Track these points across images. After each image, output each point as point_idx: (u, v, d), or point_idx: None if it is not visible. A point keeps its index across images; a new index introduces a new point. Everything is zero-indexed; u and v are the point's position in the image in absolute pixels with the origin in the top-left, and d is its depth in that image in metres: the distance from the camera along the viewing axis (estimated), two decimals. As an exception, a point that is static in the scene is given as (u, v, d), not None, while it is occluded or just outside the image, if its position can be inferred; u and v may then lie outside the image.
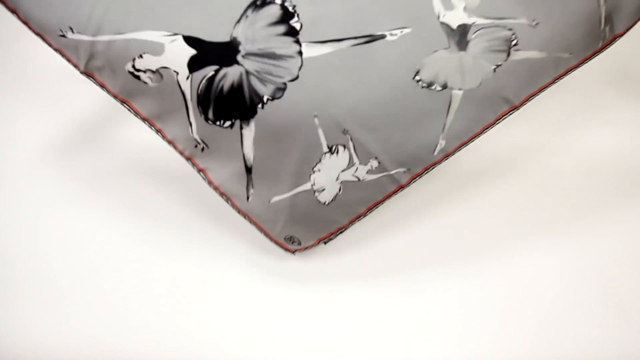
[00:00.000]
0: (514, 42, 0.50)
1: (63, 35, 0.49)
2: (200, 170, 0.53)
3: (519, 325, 0.55)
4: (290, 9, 0.48)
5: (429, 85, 0.49)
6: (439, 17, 0.49)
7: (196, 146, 0.51)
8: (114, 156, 0.70)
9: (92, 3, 0.48)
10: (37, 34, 0.51)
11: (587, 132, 0.72)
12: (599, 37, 0.53)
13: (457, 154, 0.54)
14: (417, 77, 0.49)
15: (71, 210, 0.65)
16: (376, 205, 0.54)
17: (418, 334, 0.55)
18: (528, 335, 0.55)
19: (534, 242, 0.61)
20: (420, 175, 0.53)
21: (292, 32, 0.48)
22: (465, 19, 0.49)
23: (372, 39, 0.48)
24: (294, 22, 0.48)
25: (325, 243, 0.57)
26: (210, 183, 0.53)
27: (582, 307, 0.57)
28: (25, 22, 0.50)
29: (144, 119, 0.52)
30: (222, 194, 0.54)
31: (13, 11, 0.50)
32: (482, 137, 0.54)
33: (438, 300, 0.57)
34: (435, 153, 0.51)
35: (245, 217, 0.55)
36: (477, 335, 0.55)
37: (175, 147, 0.53)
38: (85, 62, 0.50)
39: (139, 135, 0.69)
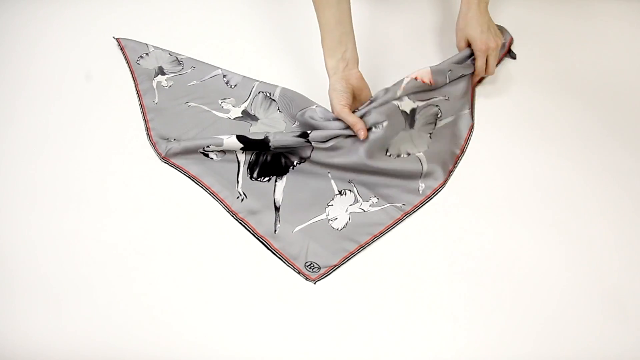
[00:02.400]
0: (439, 115, 0.77)
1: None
2: (240, 220, 0.68)
3: (521, 326, 0.59)
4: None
5: (398, 155, 0.73)
6: (399, 107, 0.75)
7: (237, 197, 0.69)
8: (111, 156, 0.73)
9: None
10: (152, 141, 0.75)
11: (587, 133, 0.77)
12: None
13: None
14: (388, 153, 0.73)
15: (71, 210, 0.67)
16: (383, 232, 0.67)
17: (418, 334, 0.58)
18: (529, 336, 0.58)
19: (535, 243, 0.65)
20: (416, 207, 0.69)
21: (304, 135, 0.71)
22: (412, 104, 0.75)
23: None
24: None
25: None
26: (247, 226, 0.67)
27: (582, 308, 0.60)
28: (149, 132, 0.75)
29: (207, 188, 0.70)
30: (257, 235, 0.67)
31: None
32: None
33: (439, 301, 0.61)
34: (421, 192, 0.71)
35: (274, 252, 0.65)
36: (480, 336, 0.58)
37: (223, 203, 0.68)
38: (167, 151, 0.73)
39: (138, 137, 0.75)
